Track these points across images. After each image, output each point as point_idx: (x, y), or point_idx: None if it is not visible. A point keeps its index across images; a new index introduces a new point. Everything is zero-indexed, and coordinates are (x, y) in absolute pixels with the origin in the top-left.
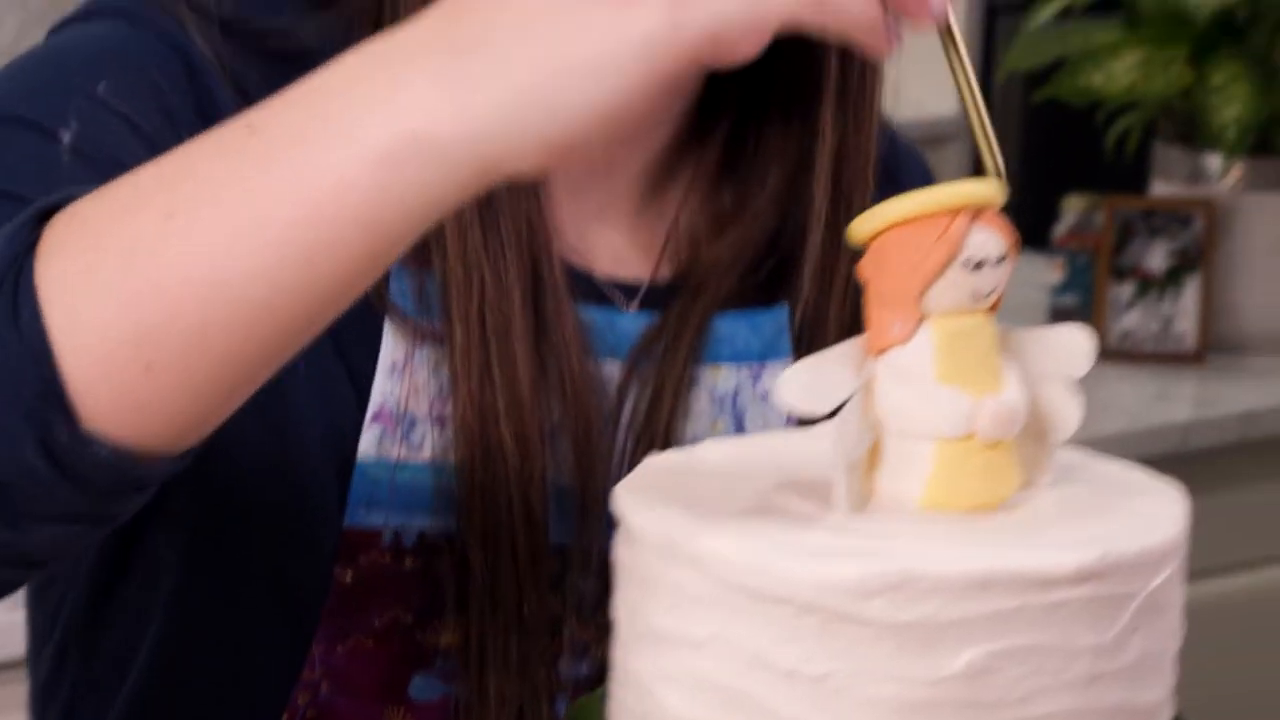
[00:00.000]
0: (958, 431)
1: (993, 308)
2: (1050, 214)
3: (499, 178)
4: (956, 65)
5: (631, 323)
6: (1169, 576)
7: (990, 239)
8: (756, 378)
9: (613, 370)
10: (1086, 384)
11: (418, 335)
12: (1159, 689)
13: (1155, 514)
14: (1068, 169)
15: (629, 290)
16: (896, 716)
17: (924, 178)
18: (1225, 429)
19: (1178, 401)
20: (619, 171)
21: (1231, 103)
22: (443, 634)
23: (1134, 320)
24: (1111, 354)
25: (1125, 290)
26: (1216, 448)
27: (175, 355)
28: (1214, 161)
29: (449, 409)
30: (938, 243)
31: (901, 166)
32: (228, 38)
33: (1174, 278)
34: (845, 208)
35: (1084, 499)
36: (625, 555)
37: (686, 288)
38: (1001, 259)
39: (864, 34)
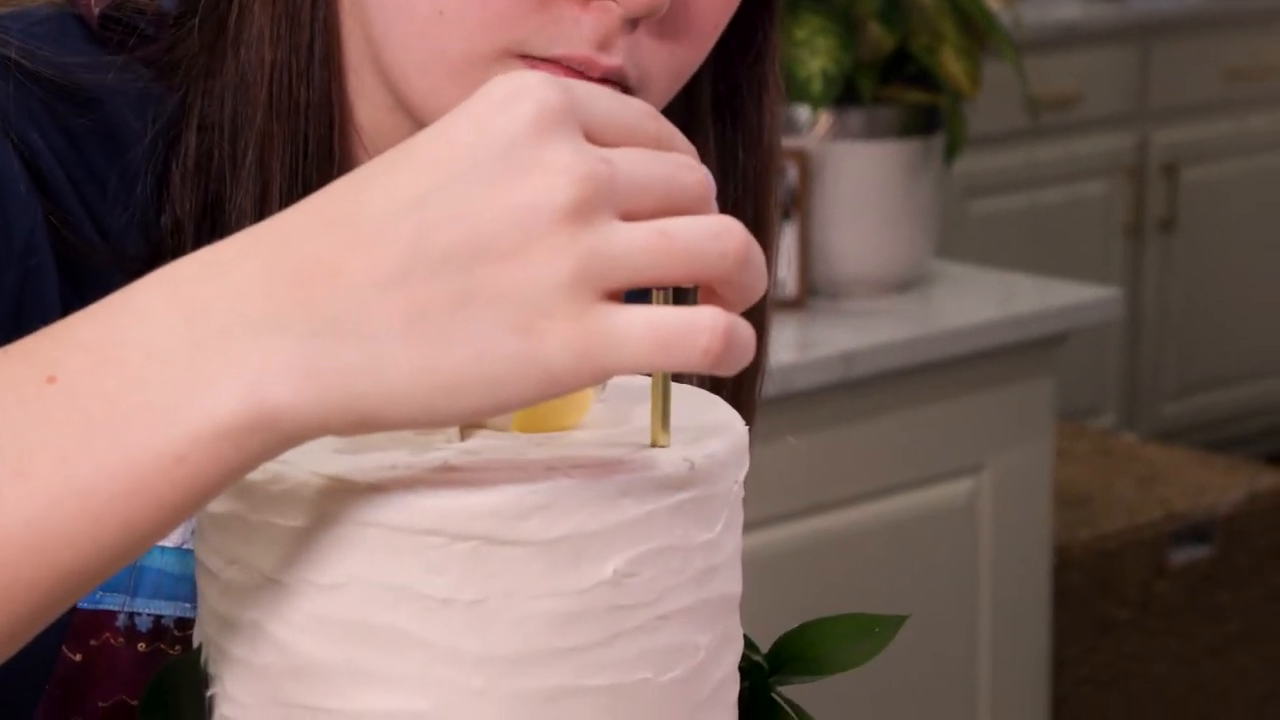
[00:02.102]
0: None
1: None
2: None
3: None
4: None
5: None
6: (744, 473)
7: None
8: None
9: None
10: None
11: None
12: (740, 580)
13: (721, 415)
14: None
15: None
16: (550, 629)
17: None
18: (826, 370)
19: (781, 345)
20: None
21: (816, 56)
22: None
23: None
24: None
25: None
26: (819, 387)
27: None
28: (803, 113)
29: None
30: None
31: None
32: (21, 81)
33: None
34: None
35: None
36: (223, 508)
37: None
38: None
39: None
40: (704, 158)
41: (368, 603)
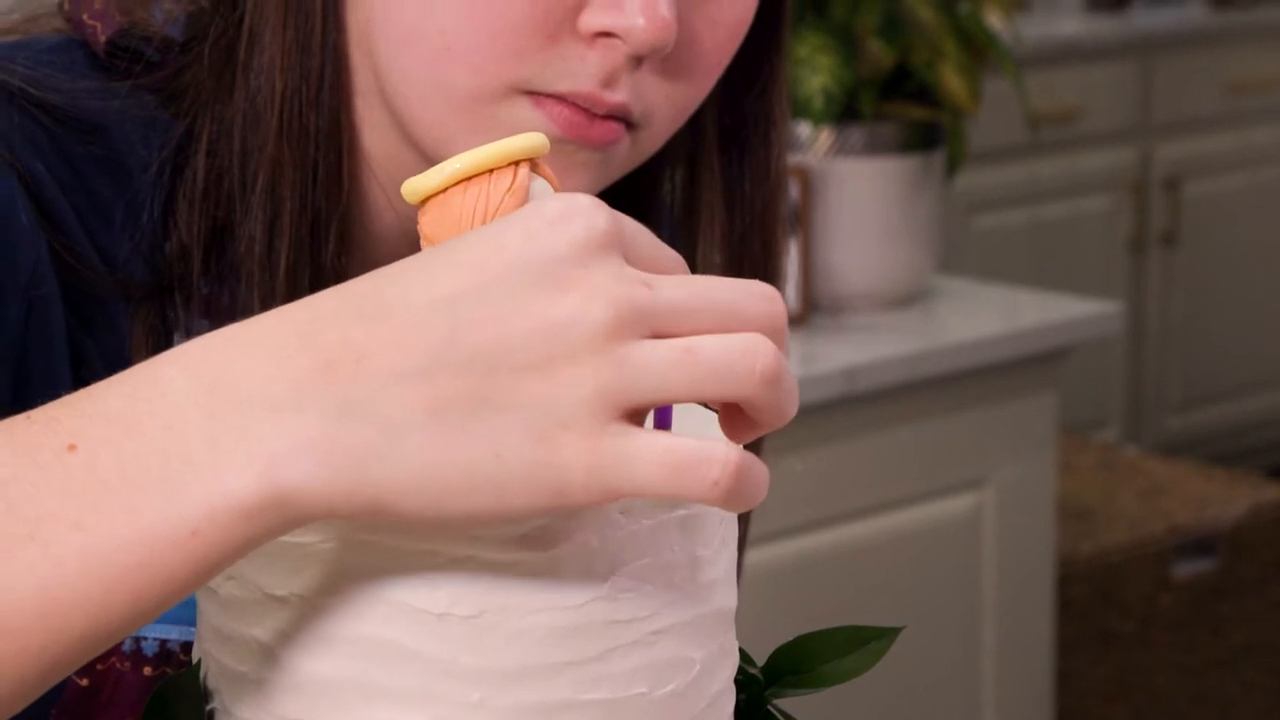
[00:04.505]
0: None
1: None
2: None
3: None
4: None
5: None
6: None
7: (546, 187)
8: None
9: None
10: None
11: None
12: (735, 594)
13: (717, 432)
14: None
15: None
16: (546, 644)
17: None
18: (829, 385)
19: None
20: None
21: (817, 73)
22: None
23: None
24: None
25: None
26: (822, 403)
27: None
28: (804, 130)
29: None
30: (509, 195)
31: None
32: (25, 107)
33: None
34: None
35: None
36: None
37: None
38: None
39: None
40: (710, 190)
41: (365, 618)
